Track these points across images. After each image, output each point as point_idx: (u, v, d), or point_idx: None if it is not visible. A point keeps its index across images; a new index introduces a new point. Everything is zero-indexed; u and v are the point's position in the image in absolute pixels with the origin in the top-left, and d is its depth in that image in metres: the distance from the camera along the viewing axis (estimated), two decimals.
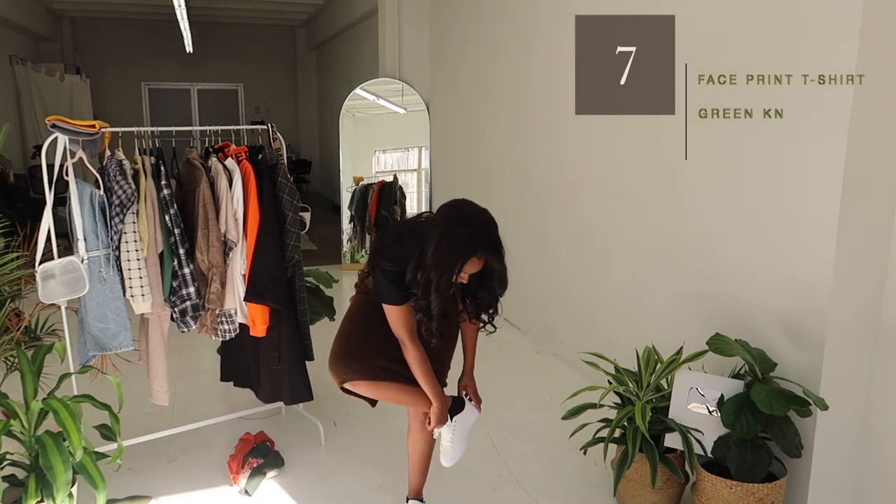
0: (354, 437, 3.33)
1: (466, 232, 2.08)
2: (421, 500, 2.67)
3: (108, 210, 2.65)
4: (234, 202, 2.85)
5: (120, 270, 2.72)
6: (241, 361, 3.26)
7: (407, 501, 2.68)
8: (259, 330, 2.97)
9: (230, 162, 2.88)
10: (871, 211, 2.40)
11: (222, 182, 2.83)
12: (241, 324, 3.01)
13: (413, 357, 2.28)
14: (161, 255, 2.79)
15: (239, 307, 2.95)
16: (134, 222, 2.69)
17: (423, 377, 2.31)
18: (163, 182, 2.75)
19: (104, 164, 2.69)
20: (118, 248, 2.69)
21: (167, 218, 2.75)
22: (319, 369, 4.02)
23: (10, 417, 2.33)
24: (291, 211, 2.96)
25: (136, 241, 2.69)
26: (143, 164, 2.74)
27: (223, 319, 2.96)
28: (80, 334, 2.77)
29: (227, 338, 3.01)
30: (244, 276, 2.92)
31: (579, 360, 3.06)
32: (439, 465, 3.06)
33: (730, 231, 2.88)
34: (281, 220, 2.95)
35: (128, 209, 2.65)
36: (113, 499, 2.64)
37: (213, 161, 2.87)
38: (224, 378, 3.36)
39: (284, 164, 3.03)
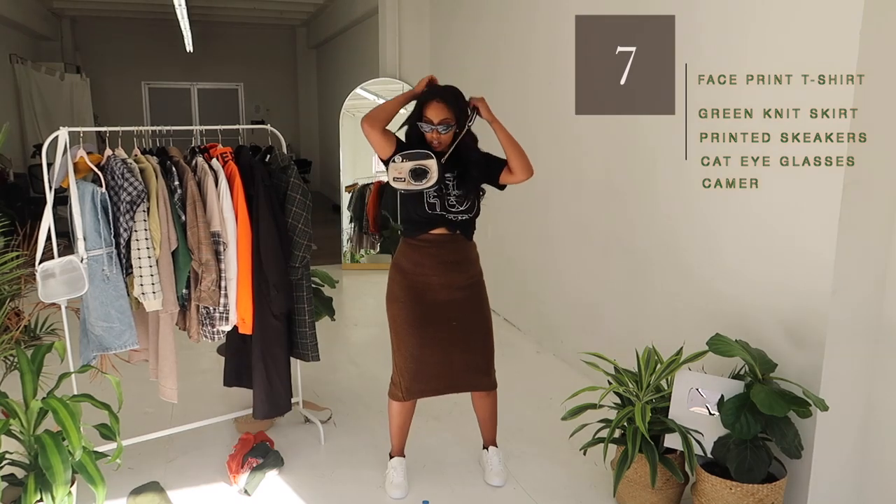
0: (354, 437, 3.33)
1: (425, 90, 2.67)
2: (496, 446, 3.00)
3: (111, 208, 2.65)
4: (219, 201, 2.85)
5: (125, 268, 2.72)
6: (243, 363, 3.25)
7: (485, 448, 3.00)
8: (247, 326, 2.97)
9: (215, 162, 2.89)
10: (871, 211, 2.40)
11: (209, 181, 2.84)
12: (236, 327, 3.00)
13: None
14: (174, 254, 2.79)
15: (232, 308, 2.94)
16: (145, 220, 2.69)
17: (383, 107, 2.63)
18: (175, 183, 2.76)
19: (106, 162, 2.69)
20: (128, 245, 2.69)
21: (182, 217, 2.77)
22: (320, 369, 4.03)
23: (9, 417, 2.33)
24: (305, 211, 3.00)
25: (147, 240, 2.69)
26: (153, 164, 2.75)
27: (207, 322, 2.96)
28: (81, 335, 2.77)
29: (216, 340, 3.01)
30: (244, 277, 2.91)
31: (579, 360, 3.06)
32: (442, 466, 3.07)
33: (730, 231, 2.88)
34: (283, 222, 2.96)
35: (138, 206, 2.65)
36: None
37: (199, 161, 2.88)
38: (227, 383, 3.35)
39: (295, 167, 3.06)
